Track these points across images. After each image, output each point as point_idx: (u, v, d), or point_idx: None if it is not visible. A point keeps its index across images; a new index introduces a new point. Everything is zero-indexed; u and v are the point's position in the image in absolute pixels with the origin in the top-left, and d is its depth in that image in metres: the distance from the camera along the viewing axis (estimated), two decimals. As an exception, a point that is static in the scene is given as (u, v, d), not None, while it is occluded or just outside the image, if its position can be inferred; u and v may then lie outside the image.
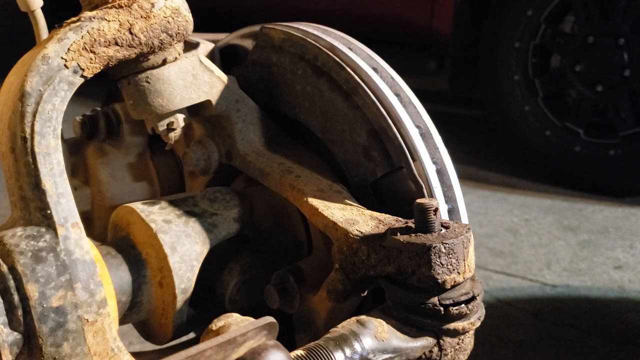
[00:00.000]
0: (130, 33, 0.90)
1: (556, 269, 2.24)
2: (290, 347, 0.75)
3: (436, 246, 0.80)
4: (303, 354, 0.75)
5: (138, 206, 1.02)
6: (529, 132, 3.11)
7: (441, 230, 0.84)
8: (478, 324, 0.85)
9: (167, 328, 1.02)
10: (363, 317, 0.83)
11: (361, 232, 0.89)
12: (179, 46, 0.99)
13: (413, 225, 0.85)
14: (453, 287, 0.83)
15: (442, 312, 0.82)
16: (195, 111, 1.08)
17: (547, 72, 3.14)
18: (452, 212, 1.02)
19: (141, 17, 0.91)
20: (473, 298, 0.84)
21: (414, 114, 1.03)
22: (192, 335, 1.19)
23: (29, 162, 0.84)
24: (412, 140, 1.00)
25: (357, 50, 1.10)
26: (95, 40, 0.88)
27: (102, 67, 0.90)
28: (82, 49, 0.87)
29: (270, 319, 0.72)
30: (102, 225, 1.34)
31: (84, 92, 1.19)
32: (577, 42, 2.96)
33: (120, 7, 0.91)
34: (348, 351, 0.77)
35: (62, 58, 0.86)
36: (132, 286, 0.98)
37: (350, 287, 0.91)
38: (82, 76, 0.88)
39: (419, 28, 3.51)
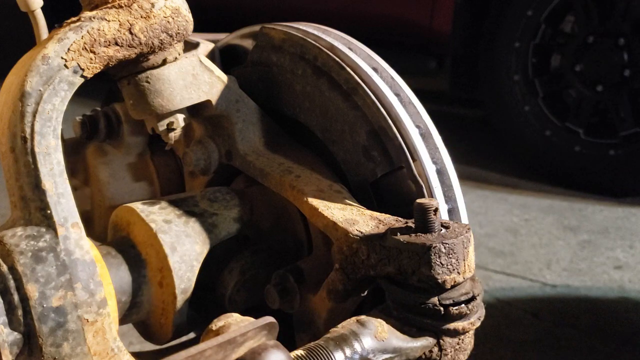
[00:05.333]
0: (130, 33, 0.90)
1: (556, 269, 2.24)
2: (290, 347, 0.75)
3: (436, 246, 0.80)
4: (303, 354, 0.75)
5: (138, 206, 1.02)
6: (529, 132, 3.11)
7: (441, 230, 0.84)
8: (478, 324, 0.85)
9: (167, 328, 1.02)
10: (363, 317, 0.82)
11: (361, 232, 0.89)
12: (179, 46, 0.99)
13: (413, 225, 0.85)
14: (453, 287, 0.83)
15: (442, 312, 0.82)
16: (195, 111, 1.08)
17: (547, 72, 3.14)
18: (452, 212, 1.02)
19: (141, 17, 0.91)
20: (473, 298, 0.84)
21: (414, 114, 1.03)
22: (192, 335, 1.19)
23: (29, 162, 0.84)
24: (412, 140, 1.00)
25: (357, 50, 1.10)
26: (95, 40, 0.88)
27: (102, 67, 0.90)
28: (82, 49, 0.87)
29: (270, 319, 0.72)
30: (102, 225, 1.34)
31: (84, 92, 1.19)
32: (577, 42, 2.96)
33: (120, 7, 0.91)
34: (348, 351, 0.77)
35: (62, 58, 0.86)
36: (132, 286, 0.98)
37: (350, 287, 0.91)
38: (82, 76, 0.88)
39: (419, 28, 3.51)
